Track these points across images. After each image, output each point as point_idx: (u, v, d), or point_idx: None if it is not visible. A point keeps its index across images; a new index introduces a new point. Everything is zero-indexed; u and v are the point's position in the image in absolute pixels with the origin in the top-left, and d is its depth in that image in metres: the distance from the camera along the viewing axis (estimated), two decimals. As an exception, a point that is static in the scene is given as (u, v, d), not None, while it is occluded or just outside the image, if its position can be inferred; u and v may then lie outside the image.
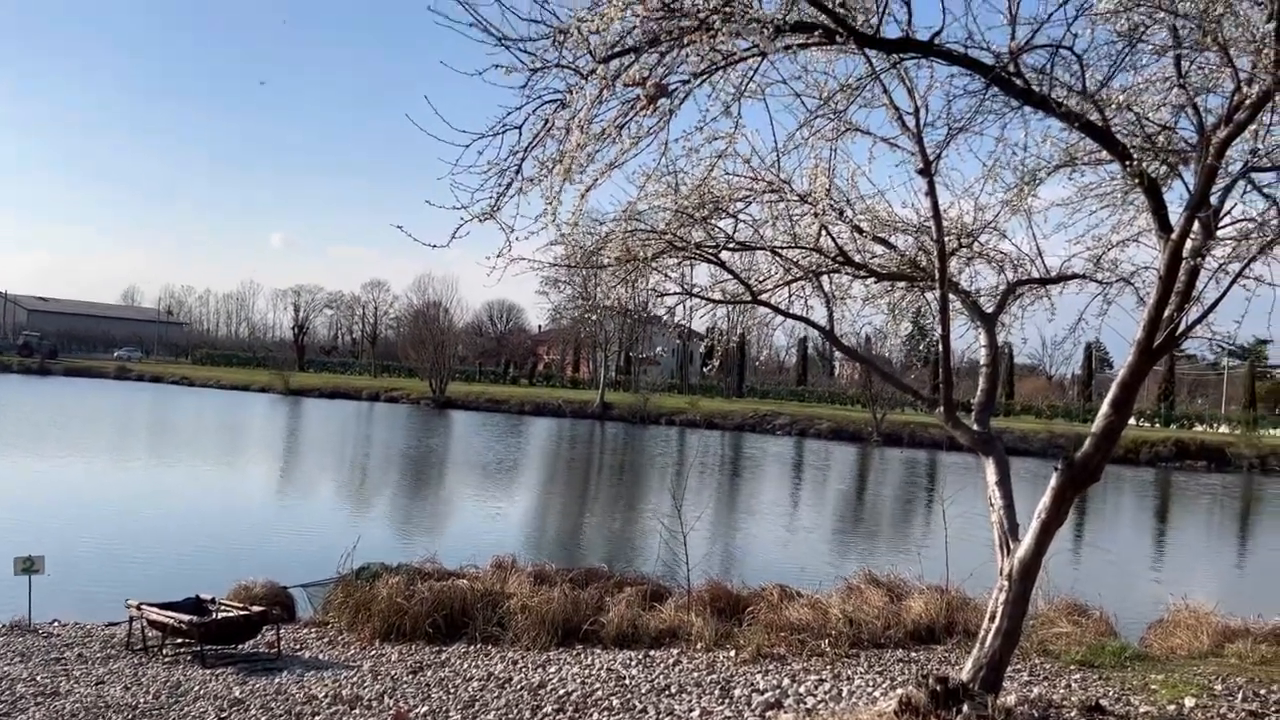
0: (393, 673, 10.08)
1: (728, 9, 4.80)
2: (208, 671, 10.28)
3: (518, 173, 5.19)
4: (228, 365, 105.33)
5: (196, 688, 9.61)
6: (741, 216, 8.61)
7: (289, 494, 29.00)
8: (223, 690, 9.51)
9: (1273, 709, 8.07)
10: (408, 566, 13.20)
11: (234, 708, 8.96)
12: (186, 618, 10.86)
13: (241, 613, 11.27)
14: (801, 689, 9.22)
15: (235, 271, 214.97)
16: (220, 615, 11.12)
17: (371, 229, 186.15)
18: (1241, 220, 7.35)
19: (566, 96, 5.03)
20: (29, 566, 12.28)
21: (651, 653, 10.81)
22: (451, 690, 9.37)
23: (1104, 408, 6.99)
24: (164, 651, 11.05)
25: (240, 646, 11.19)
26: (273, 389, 79.94)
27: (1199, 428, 71.46)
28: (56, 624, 12.44)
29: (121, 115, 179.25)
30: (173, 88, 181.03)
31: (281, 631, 11.48)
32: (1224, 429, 68.92)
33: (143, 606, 11.17)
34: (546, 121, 5.13)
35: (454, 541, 19.67)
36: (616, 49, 4.96)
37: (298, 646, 11.39)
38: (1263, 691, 8.67)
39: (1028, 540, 7.09)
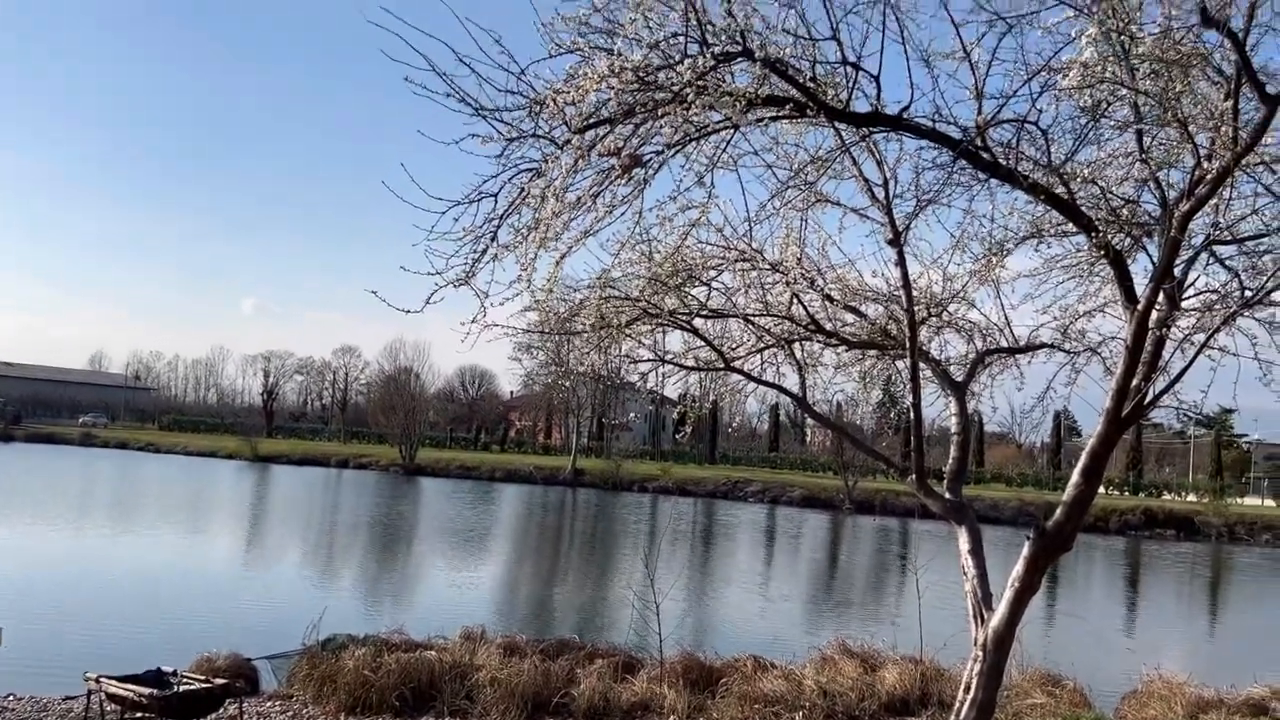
0: (358, 748, 9.82)
1: (701, 83, 4.90)
2: (166, 747, 9.97)
3: (493, 239, 5.23)
4: (195, 431, 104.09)
5: (154, 764, 9.31)
6: (714, 284, 8.69)
7: (254, 563, 28.47)
8: (181, 767, 9.21)
9: (1249, 781, 8.02)
10: (375, 637, 12.94)
11: (192, 785, 8.68)
12: (147, 691, 10.53)
13: (204, 685, 10.95)
14: (776, 763, 9.07)
15: (206, 336, 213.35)
16: (182, 688, 10.81)
17: (345, 294, 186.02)
18: (1205, 292, 7.50)
19: (542, 165, 5.09)
20: (-16, 638, 11.91)
21: (623, 726, 10.61)
22: (418, 766, 9.13)
23: (1074, 476, 7.03)
24: (121, 727, 10.71)
25: (201, 721, 10.86)
26: (240, 455, 78.95)
27: (1167, 496, 72.01)
28: (11, 698, 12.05)
29: (92, 177, 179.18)
30: (145, 150, 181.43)
31: (245, 705, 11.17)
32: (1192, 497, 69.48)
33: (101, 679, 10.83)
34: (522, 190, 5.18)
35: (422, 612, 19.36)
36: (592, 120, 5.03)
37: (261, 720, 11.10)
38: (1238, 763, 8.62)
39: (1001, 610, 7.07)
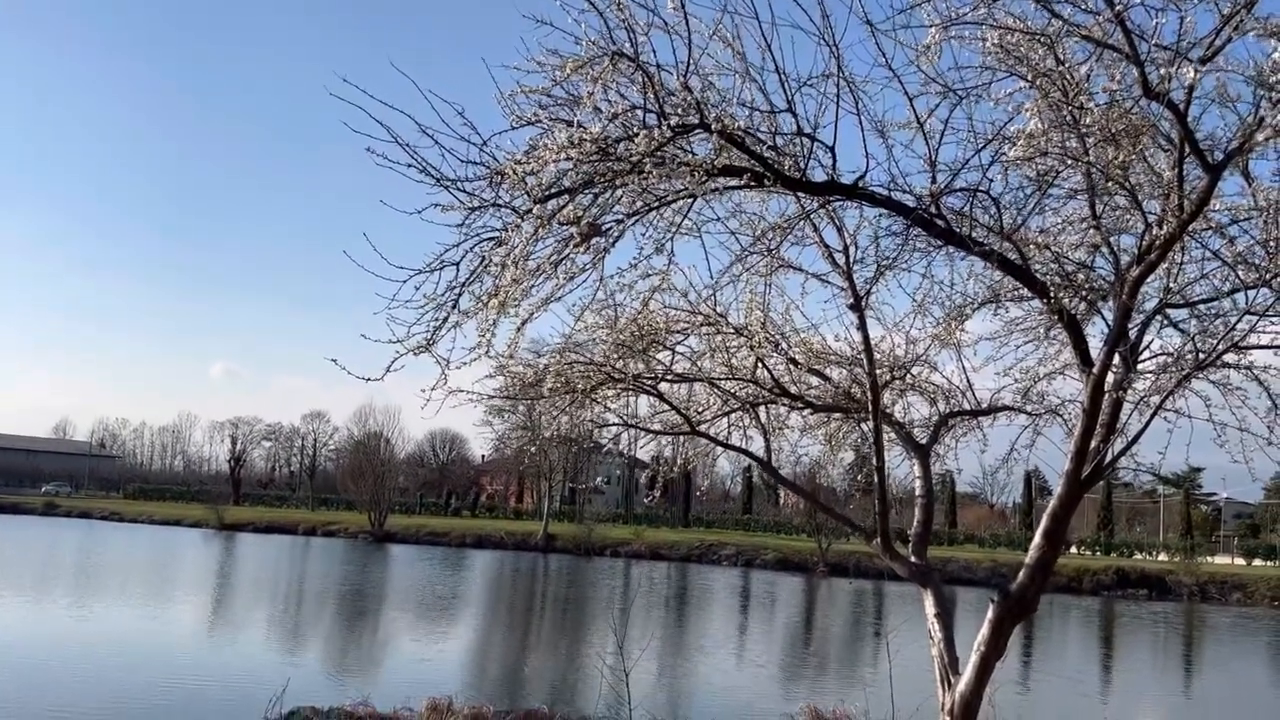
0: (319, 826, 9.57)
1: (659, 154, 4.99)
2: (120, 828, 9.68)
3: (454, 307, 5.26)
4: (161, 499, 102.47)
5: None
6: (679, 349, 8.76)
7: (217, 635, 27.87)
8: None
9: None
10: (339, 710, 12.72)
11: None
12: (100, 770, 10.26)
13: (160, 763, 10.69)
14: (747, 834, 8.91)
15: (173, 403, 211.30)
16: (137, 766, 10.54)
17: (314, 360, 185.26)
18: (1160, 354, 7.65)
19: (503, 234, 5.15)
20: (-67, 716, 11.59)
21: (592, 798, 10.41)
22: (381, 844, 8.90)
23: (1036, 539, 7.07)
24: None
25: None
26: (206, 524, 77.65)
27: (1138, 556, 72.22)
28: (-42, 779, 11.69)
29: (58, 242, 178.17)
30: (111, 216, 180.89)
31: (202, 783, 10.89)
32: (1163, 557, 69.72)
33: (53, 758, 10.54)
34: (484, 258, 5.23)
35: (389, 682, 18.98)
36: (552, 190, 5.11)
37: (219, 799, 10.81)
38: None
39: (968, 674, 7.05)
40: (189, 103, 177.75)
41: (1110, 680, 27.98)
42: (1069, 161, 5.98)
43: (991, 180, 5.95)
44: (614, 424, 9.18)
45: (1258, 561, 69.80)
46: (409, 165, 4.93)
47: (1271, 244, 6.69)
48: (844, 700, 14.47)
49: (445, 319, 5.26)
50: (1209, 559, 68.88)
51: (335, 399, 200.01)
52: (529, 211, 5.11)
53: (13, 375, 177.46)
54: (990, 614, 6.98)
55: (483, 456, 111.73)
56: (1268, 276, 6.72)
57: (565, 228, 5.17)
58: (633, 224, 5.48)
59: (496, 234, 5.22)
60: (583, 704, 16.09)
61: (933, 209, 6.02)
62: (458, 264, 5.25)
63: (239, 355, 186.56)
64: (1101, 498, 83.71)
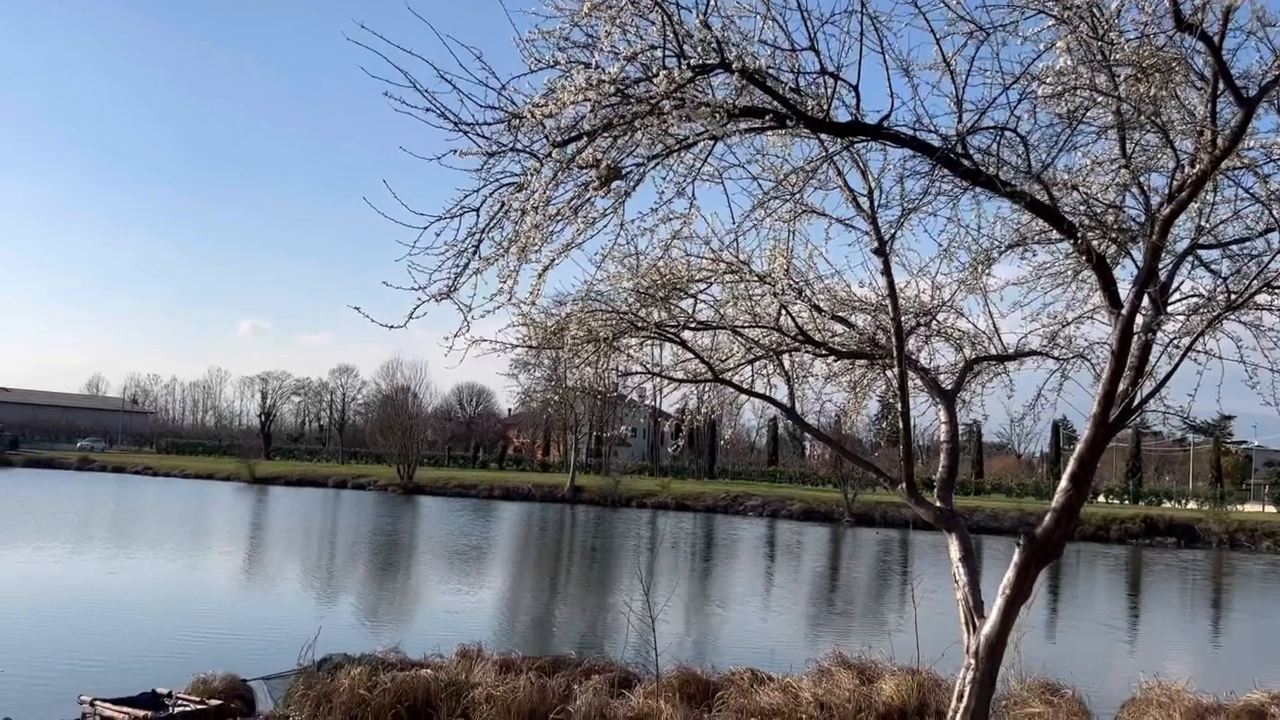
0: (353, 767, 9.78)
1: (679, 95, 4.92)
2: (160, 770, 9.94)
3: (475, 253, 5.24)
4: (193, 454, 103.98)
5: (147, 787, 9.27)
6: (702, 297, 8.70)
7: (251, 584, 28.40)
8: (175, 789, 9.17)
9: (1246, 786, 7.99)
10: (371, 657, 12.90)
11: (186, 808, 8.65)
12: (141, 713, 10.51)
13: (198, 707, 10.94)
14: (772, 776, 9.03)
15: (202, 360, 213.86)
16: (176, 710, 10.79)
17: (339, 315, 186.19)
18: (1191, 296, 7.52)
19: (522, 179, 5.10)
20: (-23, 663, 11.89)
21: (620, 741, 10.56)
22: (413, 784, 9.09)
23: (1063, 482, 7.03)
24: (117, 749, 10.67)
25: (196, 743, 10.83)
26: (238, 478, 78.84)
27: (1167, 504, 71.87)
28: (6, 723, 12.01)
29: (87, 203, 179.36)
30: (140, 176, 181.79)
31: (240, 726, 11.15)
32: (1192, 505, 69.38)
33: (96, 702, 10.81)
34: (503, 204, 5.19)
35: (419, 630, 19.31)
36: (571, 133, 5.05)
37: (256, 742, 11.06)
38: (1236, 769, 8.58)
39: (993, 617, 7.06)
40: (210, 58, 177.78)
41: (1138, 627, 28.00)
42: (1098, 98, 5.84)
43: (1019, 119, 5.83)
44: (637, 372, 9.15)
45: (1288, 509, 69.39)
46: (427, 110, 4.89)
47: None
48: (870, 646, 14.56)
49: (466, 265, 5.25)
50: (1239, 507, 68.51)
51: (361, 354, 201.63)
52: (548, 155, 5.05)
53: (45, 334, 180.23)
54: (1016, 557, 6.97)
55: (509, 410, 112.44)
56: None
57: (584, 171, 5.12)
58: (653, 167, 5.42)
59: (516, 179, 5.18)
60: (610, 651, 16.29)
61: (959, 149, 5.91)
62: (478, 210, 5.22)
63: (266, 312, 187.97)
64: (1130, 446, 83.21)
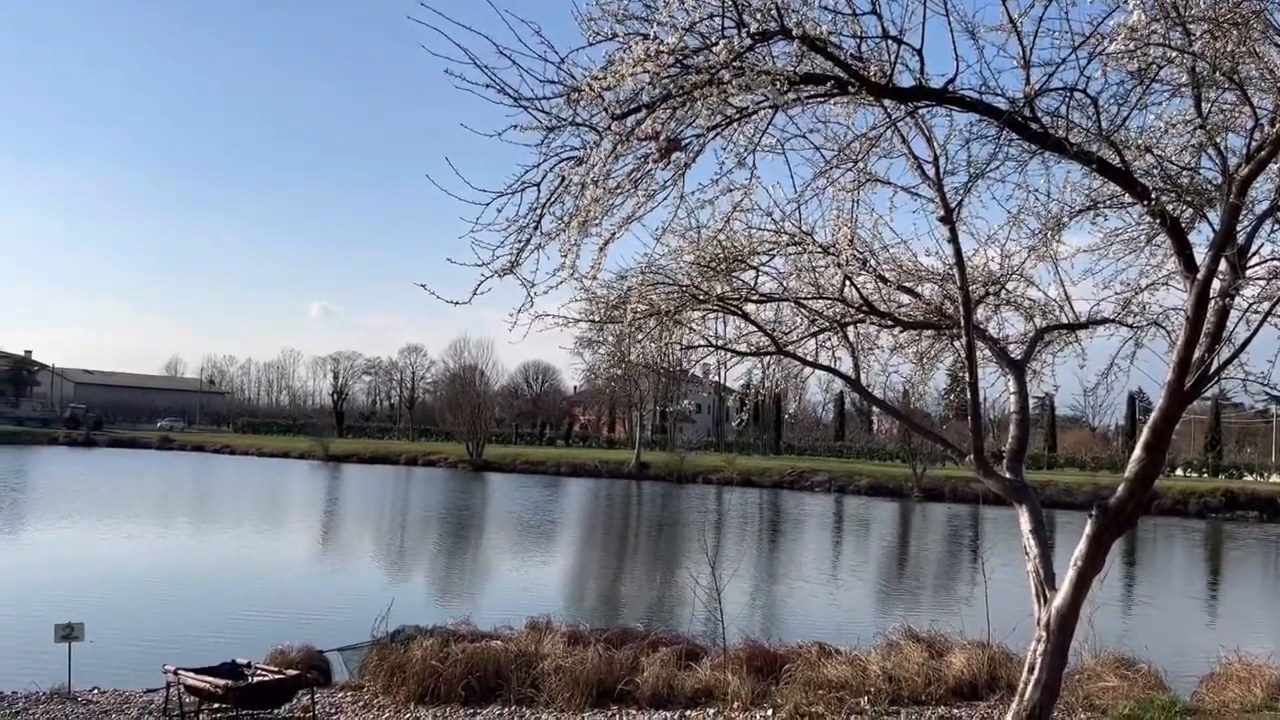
0: (426, 736, 10.00)
1: (738, 64, 4.88)
2: (242, 737, 10.26)
3: (536, 228, 5.27)
4: (269, 433, 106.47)
5: (230, 753, 9.57)
6: (765, 269, 8.65)
7: (327, 558, 29.08)
8: (256, 755, 9.47)
9: (1330, 762, 7.79)
10: (442, 629, 13.14)
11: (267, 773, 8.92)
12: (222, 682, 10.84)
13: (276, 677, 11.25)
14: (840, 748, 9.03)
15: (276, 341, 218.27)
16: (255, 679, 11.11)
17: (406, 295, 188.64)
18: (1270, 260, 7.29)
19: (582, 153, 5.11)
20: (69, 634, 12.35)
21: (688, 713, 10.65)
22: (484, 753, 9.26)
23: (1137, 451, 6.88)
24: (200, 717, 11.03)
25: (276, 710, 11.13)
26: (313, 455, 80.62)
27: (1248, 477, 69.85)
28: (96, 691, 12.47)
29: (162, 190, 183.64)
30: (216, 162, 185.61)
31: (317, 695, 11.43)
32: (1275, 478, 67.35)
33: (179, 671, 11.17)
34: (563, 178, 5.21)
35: (489, 603, 19.62)
36: (630, 106, 5.04)
37: (333, 710, 11.34)
38: (1319, 745, 8.37)
39: (1065, 590, 6.95)
40: (282, 43, 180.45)
41: (1217, 602, 27.35)
42: (1172, 55, 5.66)
43: (1089, 79, 5.67)
44: (698, 345, 9.15)
45: (1378, 481, 67.03)
46: (486, 86, 4.92)
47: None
48: (939, 620, 14.44)
49: (528, 241, 5.28)
50: (1325, 479, 66.36)
51: (429, 334, 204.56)
52: (607, 128, 5.06)
53: (126, 317, 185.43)
54: (1088, 528, 6.85)
55: (575, 388, 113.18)
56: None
57: (644, 144, 5.11)
58: (713, 138, 5.39)
59: (576, 153, 5.19)
60: (677, 624, 16.40)
61: (1026, 111, 5.78)
62: (538, 185, 5.25)
63: (335, 294, 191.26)
64: (1209, 418, 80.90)
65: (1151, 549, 37.26)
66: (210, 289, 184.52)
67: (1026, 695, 6.92)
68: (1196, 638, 19.43)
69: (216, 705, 11.07)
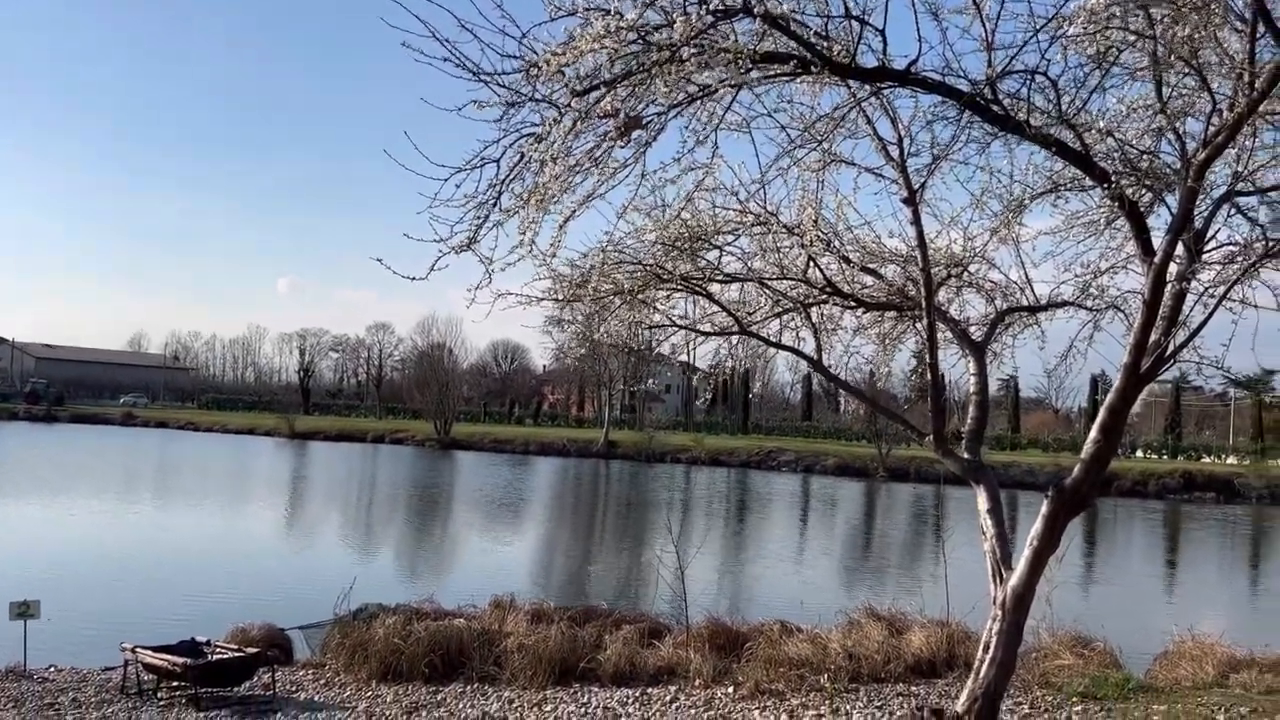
0: (388, 714, 9.98)
1: (698, 41, 4.84)
2: (201, 715, 10.19)
3: (495, 205, 5.22)
4: (234, 410, 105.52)
5: (189, 731, 9.52)
6: (729, 249, 8.65)
7: (291, 536, 28.92)
8: (215, 734, 9.41)
9: (1276, 738, 7.95)
10: (405, 607, 13.11)
11: (225, 751, 8.88)
12: (181, 660, 10.77)
13: (236, 655, 11.19)
14: (799, 725, 9.11)
15: (242, 317, 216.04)
16: (215, 657, 11.04)
17: (376, 272, 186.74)
18: (1226, 244, 7.37)
19: (542, 130, 5.06)
20: (25, 611, 12.19)
21: (649, 690, 10.69)
22: (445, 730, 9.26)
23: (1093, 433, 6.96)
24: (159, 695, 10.95)
25: (235, 689, 11.07)
26: (278, 433, 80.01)
27: (1206, 459, 71.00)
28: (52, 669, 12.33)
29: (122, 162, 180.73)
30: (177, 135, 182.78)
31: (277, 673, 11.38)
32: (1231, 460, 68.51)
33: (137, 649, 11.08)
34: (523, 155, 5.16)
35: (453, 581, 19.60)
36: (590, 82, 5.00)
37: (293, 688, 11.29)
38: (1266, 721, 8.55)
39: (1020, 569, 7.03)
40: (245, 14, 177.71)
41: (1173, 582, 27.82)
42: (1133, 39, 5.69)
43: (1050, 62, 5.69)
44: (665, 325, 9.14)
45: (1331, 464, 68.31)
46: (445, 60, 4.86)
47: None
48: (899, 599, 14.59)
49: (486, 217, 5.24)
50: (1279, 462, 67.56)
51: (397, 311, 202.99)
52: (567, 105, 5.01)
53: (89, 291, 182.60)
54: (1045, 508, 6.93)
55: (544, 367, 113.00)
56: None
57: (604, 121, 5.07)
58: (674, 116, 5.37)
59: (536, 129, 5.14)
60: (642, 603, 16.45)
61: (988, 93, 5.79)
62: (498, 161, 5.19)
63: (303, 270, 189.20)
64: (1170, 401, 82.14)
65: (1111, 529, 37.82)
66: (176, 263, 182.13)
67: (982, 673, 7.00)
68: (1152, 617, 19.76)
69: (175, 683, 11.01)
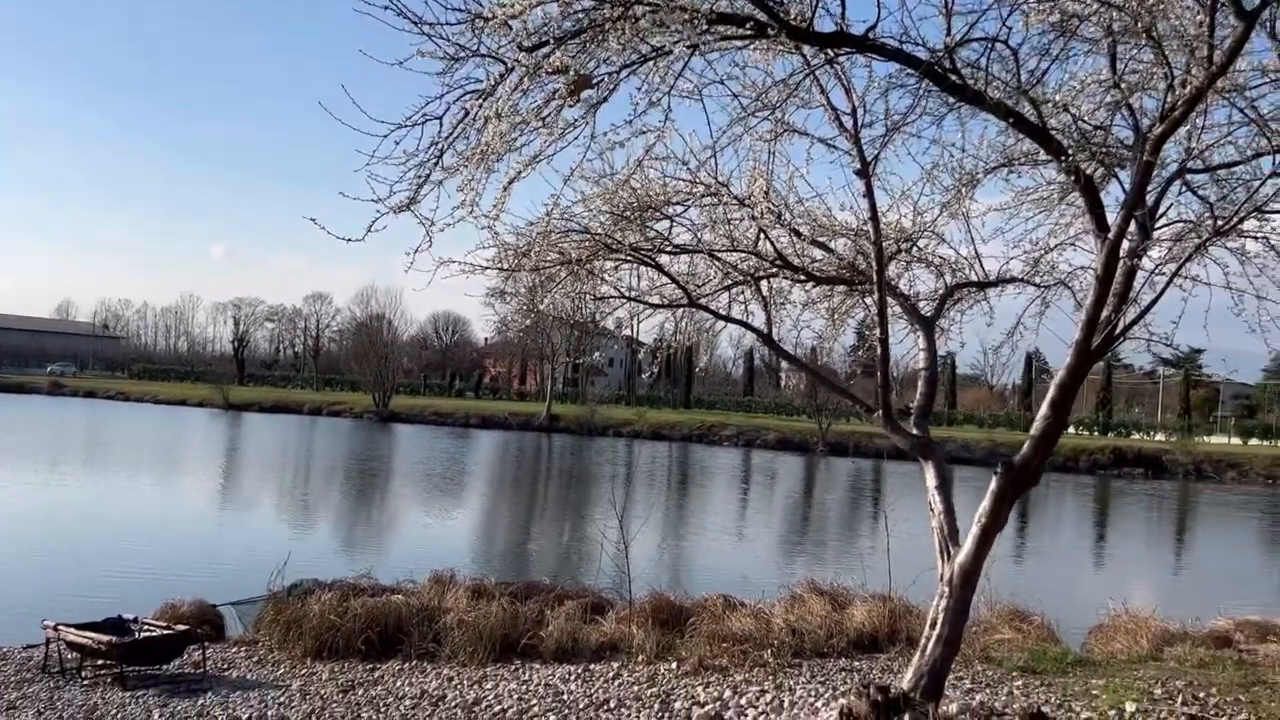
0: (322, 692, 9.73)
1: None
2: (127, 694, 9.84)
3: (437, 163, 4.96)
4: (166, 380, 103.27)
5: (114, 712, 9.18)
6: (679, 220, 8.47)
7: (224, 510, 28.28)
8: (141, 714, 9.09)
9: (1212, 712, 8.06)
10: (342, 582, 12.83)
11: (152, 732, 8.57)
12: (105, 638, 10.39)
13: (164, 632, 10.83)
14: (743, 700, 9.05)
15: (174, 284, 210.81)
16: (142, 635, 10.68)
17: (312, 240, 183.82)
18: (1177, 222, 7.37)
19: (487, 86, 4.81)
20: (-60, 588, 11.70)
21: (592, 666, 10.56)
22: (382, 710, 9.05)
23: (1043, 410, 6.92)
24: (83, 674, 10.56)
25: (164, 667, 10.72)
26: (212, 404, 78.43)
27: (1136, 436, 72.74)
28: (-30, 647, 11.87)
29: (54, 123, 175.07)
30: (109, 95, 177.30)
31: (208, 651, 11.05)
32: (1160, 437, 70.27)
33: (60, 627, 10.67)
34: (467, 111, 4.91)
35: (393, 557, 19.29)
36: (539, 37, 4.76)
37: (225, 666, 10.96)
38: (1201, 695, 8.67)
39: (968, 546, 6.99)
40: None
41: (1104, 556, 28.43)
42: (1091, 9, 5.58)
43: (1010, 29, 5.57)
44: (611, 296, 8.94)
45: (1254, 441, 70.41)
46: (386, 8, 4.58)
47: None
48: (841, 574, 14.63)
49: (428, 176, 4.98)
50: (1206, 439, 69.49)
51: (336, 280, 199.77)
52: (515, 61, 4.76)
53: (13, 256, 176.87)
54: (993, 485, 6.88)
55: (485, 339, 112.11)
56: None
57: (553, 79, 4.83)
58: (626, 77, 5.15)
59: (480, 86, 4.89)
60: (584, 577, 16.31)
61: (946, 62, 5.66)
62: (440, 118, 4.94)
63: (238, 236, 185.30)
64: (1101, 378, 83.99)
65: (1043, 504, 38.53)
66: (105, 227, 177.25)
67: (928, 650, 6.96)
68: (1085, 590, 20.14)
69: (100, 662, 10.63)
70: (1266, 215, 6.81)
